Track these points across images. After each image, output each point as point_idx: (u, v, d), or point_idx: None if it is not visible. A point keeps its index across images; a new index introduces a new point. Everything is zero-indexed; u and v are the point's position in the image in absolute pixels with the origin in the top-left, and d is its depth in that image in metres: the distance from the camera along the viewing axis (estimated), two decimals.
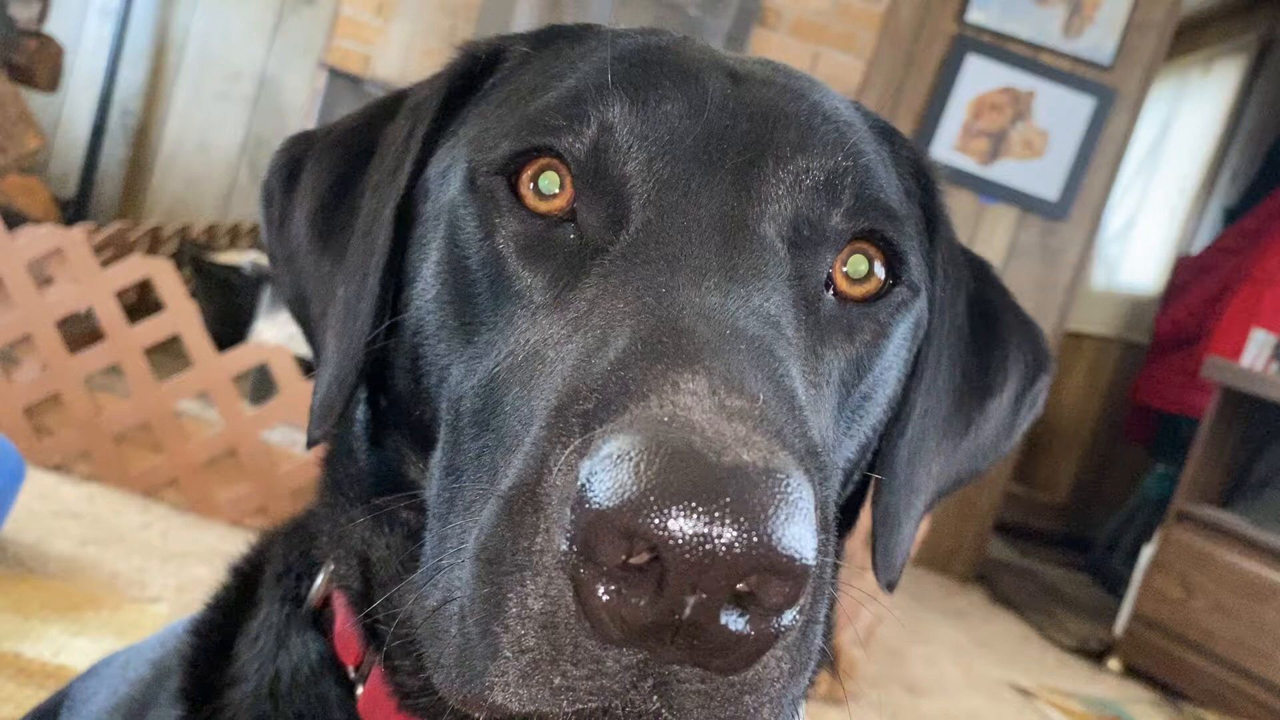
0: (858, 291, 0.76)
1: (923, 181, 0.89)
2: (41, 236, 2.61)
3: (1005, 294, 0.97)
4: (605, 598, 0.50)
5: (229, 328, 3.60)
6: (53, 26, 4.56)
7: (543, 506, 0.53)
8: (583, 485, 0.50)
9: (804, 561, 0.50)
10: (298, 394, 2.58)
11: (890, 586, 0.86)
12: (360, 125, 0.91)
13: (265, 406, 2.64)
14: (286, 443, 2.71)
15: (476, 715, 0.56)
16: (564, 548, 0.51)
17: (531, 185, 0.73)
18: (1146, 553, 4.06)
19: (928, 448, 0.86)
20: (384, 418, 0.83)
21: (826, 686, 2.69)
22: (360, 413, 0.85)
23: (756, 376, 0.58)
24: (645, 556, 0.49)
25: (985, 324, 0.93)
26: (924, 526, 2.75)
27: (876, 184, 0.77)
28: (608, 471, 0.50)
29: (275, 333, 3.42)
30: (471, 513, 0.61)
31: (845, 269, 0.76)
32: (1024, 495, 6.09)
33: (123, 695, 0.94)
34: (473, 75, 0.85)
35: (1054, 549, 5.92)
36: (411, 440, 0.78)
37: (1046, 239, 4.53)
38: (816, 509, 0.53)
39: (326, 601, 0.84)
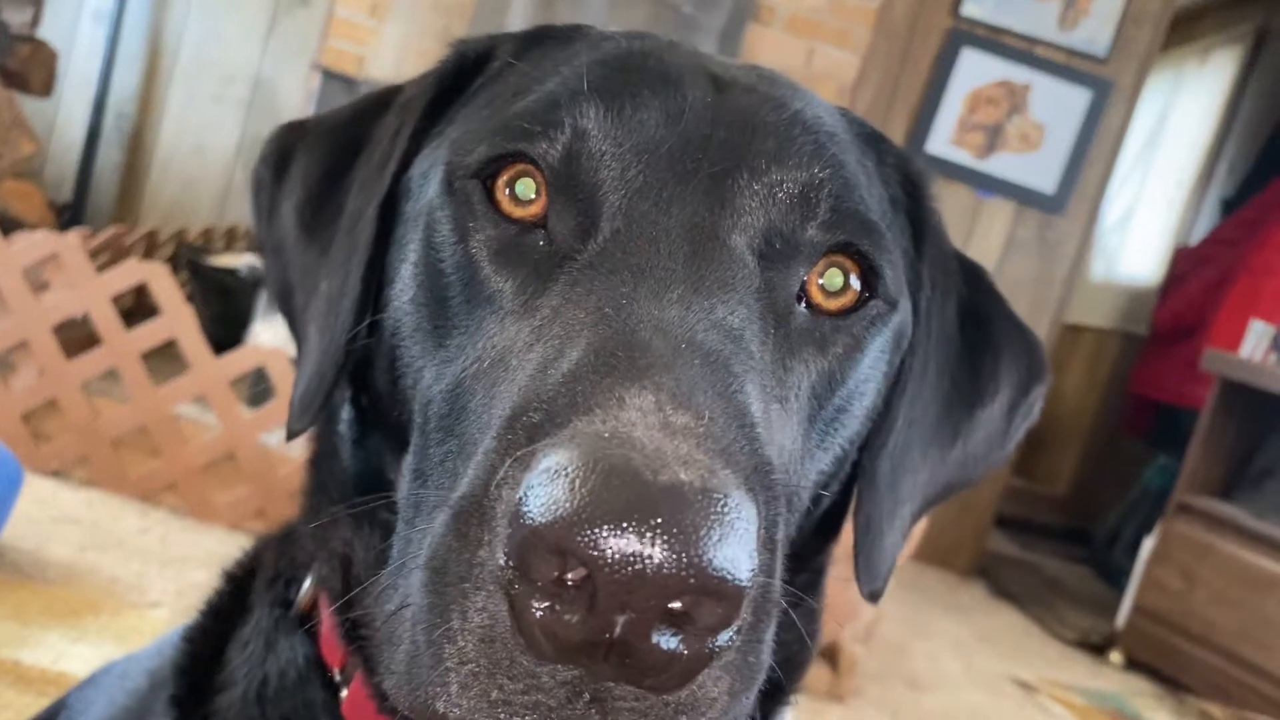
0: (833, 304, 0.75)
1: (909, 189, 0.88)
2: (37, 242, 2.60)
3: (1000, 302, 0.96)
4: (538, 614, 0.50)
5: (226, 331, 3.60)
6: (46, 31, 4.56)
7: (487, 519, 0.53)
8: (519, 500, 0.50)
9: (737, 583, 0.49)
10: None
11: (874, 596, 0.85)
12: (351, 119, 0.91)
13: (263, 409, 2.64)
14: (285, 445, 2.71)
15: None
16: (501, 562, 0.51)
17: (507, 191, 0.73)
18: (1147, 545, 4.06)
19: (913, 458, 0.85)
20: (366, 417, 0.83)
21: (828, 683, 2.69)
22: (345, 412, 0.85)
23: (707, 392, 0.58)
24: (578, 574, 0.48)
25: (977, 333, 0.92)
26: (924, 522, 2.74)
27: (854, 196, 0.76)
28: (543, 486, 0.49)
29: (272, 335, 3.42)
30: (432, 518, 0.61)
31: (821, 281, 0.75)
32: (1024, 488, 6.09)
33: (119, 706, 0.94)
34: (462, 75, 0.85)
35: (1055, 542, 5.93)
36: (390, 441, 0.78)
37: (1044, 232, 4.53)
38: (760, 528, 0.53)
39: (316, 604, 0.83)
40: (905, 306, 0.82)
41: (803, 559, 0.82)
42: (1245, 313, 4.69)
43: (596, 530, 0.48)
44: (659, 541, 0.48)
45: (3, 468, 2.01)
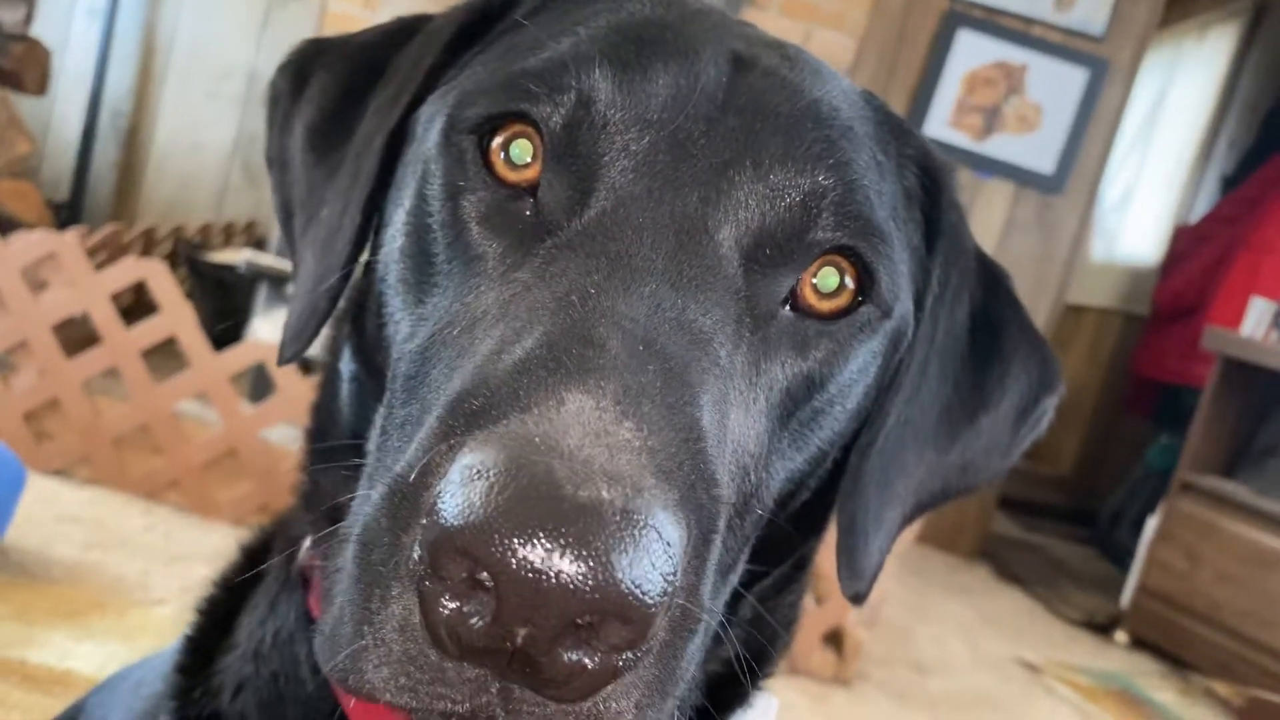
0: (825, 306, 0.73)
1: (927, 183, 0.84)
2: (35, 242, 2.60)
3: (1017, 309, 0.92)
4: (444, 613, 0.49)
5: (226, 327, 3.60)
6: (39, 29, 4.54)
7: (413, 505, 0.52)
8: (436, 495, 0.50)
9: (644, 606, 0.48)
10: (296, 392, 2.57)
11: (856, 598, 0.82)
12: (376, 43, 0.89)
13: (264, 405, 2.64)
14: (286, 441, 2.71)
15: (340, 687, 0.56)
16: (416, 556, 0.50)
17: (503, 154, 0.71)
18: (1151, 524, 4.06)
19: (906, 459, 0.82)
20: (360, 360, 0.82)
21: (833, 668, 2.70)
22: (347, 353, 0.84)
23: (655, 401, 0.56)
24: (485, 580, 0.48)
25: (988, 338, 0.89)
26: None
27: (858, 198, 0.73)
28: (460, 486, 0.49)
29: (272, 331, 3.42)
30: (375, 485, 0.59)
31: (814, 281, 0.72)
32: (1027, 469, 6.09)
33: (136, 712, 0.93)
34: (489, 15, 0.82)
35: (1059, 523, 5.93)
36: (374, 387, 0.77)
37: (1043, 213, 4.52)
38: (686, 548, 0.52)
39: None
40: (904, 309, 0.79)
41: (780, 552, 0.81)
42: (1246, 290, 4.68)
43: (505, 541, 0.47)
44: (566, 560, 0.47)
45: (5, 468, 2.01)
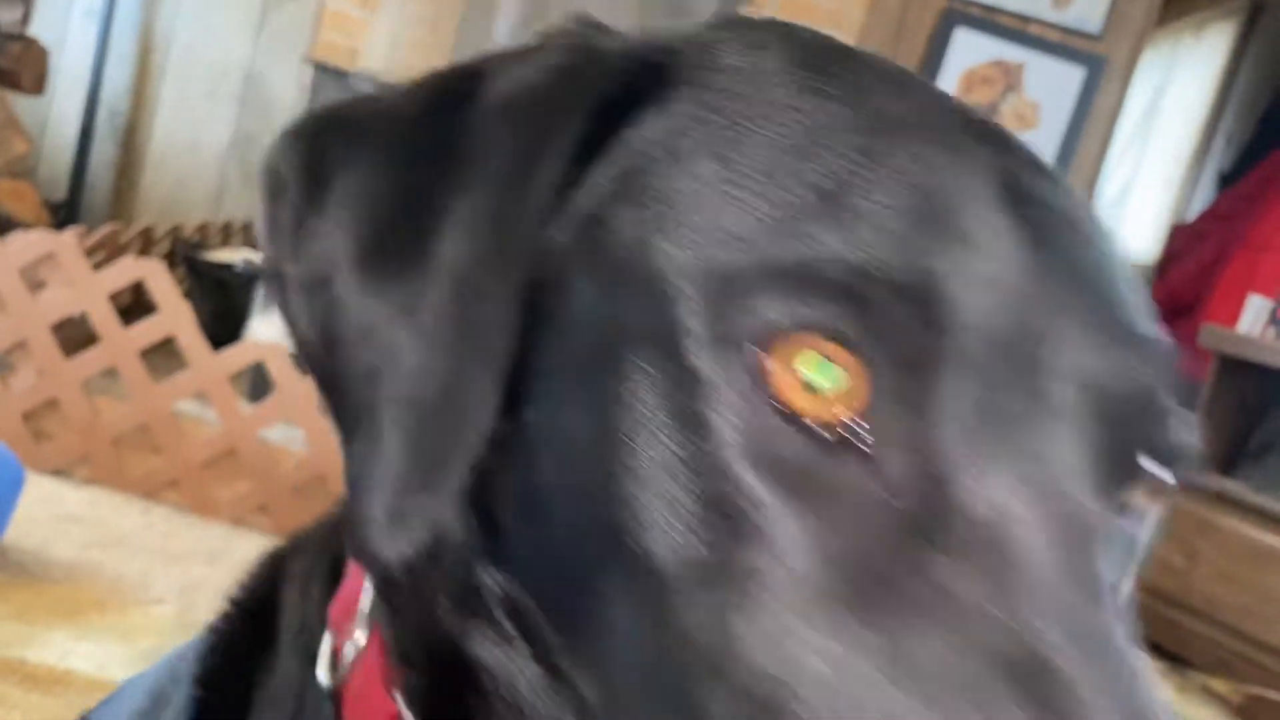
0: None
1: None
2: (33, 241, 2.60)
3: None
4: None
5: (224, 326, 3.60)
6: (36, 28, 4.54)
7: None
8: None
9: None
10: (295, 391, 2.57)
11: None
12: (424, 116, 0.61)
13: (263, 404, 2.64)
14: (285, 440, 2.71)
15: None
16: None
17: (788, 367, 0.45)
18: (1149, 522, 4.06)
19: None
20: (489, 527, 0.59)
21: None
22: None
23: None
24: None
25: None
26: None
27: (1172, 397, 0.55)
28: None
29: (271, 330, 3.42)
30: None
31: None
32: None
33: None
34: (619, 96, 0.55)
35: None
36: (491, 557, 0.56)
37: None
38: None
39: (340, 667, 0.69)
40: None
41: None
42: (1243, 288, 4.69)
43: None
44: None
45: (4, 468, 2.01)
